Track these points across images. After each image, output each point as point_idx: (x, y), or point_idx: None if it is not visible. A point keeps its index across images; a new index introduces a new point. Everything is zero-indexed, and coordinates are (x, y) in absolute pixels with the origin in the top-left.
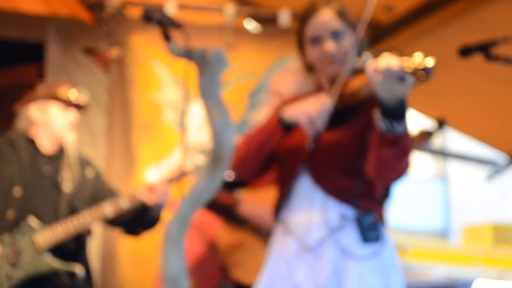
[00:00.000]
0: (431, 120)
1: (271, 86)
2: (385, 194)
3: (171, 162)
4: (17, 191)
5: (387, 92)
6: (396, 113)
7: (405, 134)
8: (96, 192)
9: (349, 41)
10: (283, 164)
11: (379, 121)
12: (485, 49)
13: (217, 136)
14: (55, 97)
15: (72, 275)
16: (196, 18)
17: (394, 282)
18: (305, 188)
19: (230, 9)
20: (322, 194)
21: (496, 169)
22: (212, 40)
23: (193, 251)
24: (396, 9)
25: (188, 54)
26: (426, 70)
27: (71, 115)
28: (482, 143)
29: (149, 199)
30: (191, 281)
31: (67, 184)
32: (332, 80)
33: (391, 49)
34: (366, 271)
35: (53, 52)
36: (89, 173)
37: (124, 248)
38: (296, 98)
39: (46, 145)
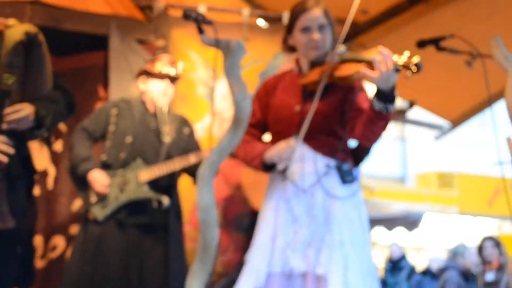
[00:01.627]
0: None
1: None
2: (367, 153)
3: (202, 125)
4: (129, 139)
5: (384, 81)
6: (389, 97)
7: (391, 112)
8: (188, 146)
9: (329, 34)
10: (278, 130)
11: (376, 103)
12: (436, 42)
13: (238, 105)
14: (152, 72)
15: (160, 203)
16: (220, 17)
17: (363, 213)
18: (298, 146)
19: (246, 11)
20: (311, 150)
21: (442, 132)
22: (232, 34)
23: (218, 190)
24: (370, 12)
25: (216, 43)
26: (417, 65)
27: (165, 84)
28: (432, 113)
29: None
30: (218, 211)
31: (167, 136)
32: (313, 64)
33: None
34: (347, 205)
35: (114, 42)
36: (186, 131)
37: None
38: (276, 78)
39: (150, 106)
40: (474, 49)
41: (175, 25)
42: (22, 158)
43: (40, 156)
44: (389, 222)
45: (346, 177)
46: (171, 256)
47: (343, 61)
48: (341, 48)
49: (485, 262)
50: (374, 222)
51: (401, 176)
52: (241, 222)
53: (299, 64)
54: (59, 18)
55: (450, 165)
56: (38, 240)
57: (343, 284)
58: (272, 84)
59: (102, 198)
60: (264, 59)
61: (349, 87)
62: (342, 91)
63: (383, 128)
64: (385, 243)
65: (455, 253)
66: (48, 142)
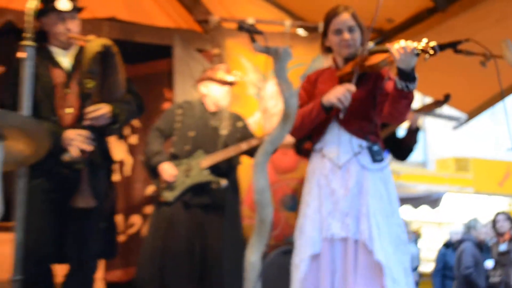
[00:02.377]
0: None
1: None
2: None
3: (252, 120)
4: (192, 134)
5: (405, 63)
6: (410, 76)
7: (413, 91)
8: (242, 136)
9: (358, 33)
10: None
11: (399, 83)
12: (453, 46)
13: (286, 101)
14: (213, 79)
15: (218, 184)
16: (266, 28)
17: (391, 187)
18: (334, 129)
19: (288, 23)
20: (346, 132)
21: (459, 123)
22: (276, 43)
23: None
24: (395, 20)
25: (266, 50)
26: (434, 48)
27: (225, 88)
28: (451, 106)
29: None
30: None
31: (223, 130)
32: (347, 60)
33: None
34: (376, 179)
35: (177, 51)
36: (239, 124)
37: None
38: (317, 73)
39: (210, 106)
40: (487, 51)
41: (229, 36)
42: (102, 150)
43: (118, 148)
44: (414, 201)
45: (376, 157)
46: (226, 230)
47: (371, 53)
48: (370, 44)
49: (498, 234)
50: (401, 201)
51: (423, 161)
52: (286, 202)
53: (335, 61)
54: (131, 32)
55: (466, 150)
56: (118, 219)
57: (377, 249)
58: (314, 77)
59: (171, 184)
60: (304, 63)
61: (378, 77)
62: (372, 80)
63: (406, 106)
64: (411, 219)
65: (469, 227)
66: (122, 136)
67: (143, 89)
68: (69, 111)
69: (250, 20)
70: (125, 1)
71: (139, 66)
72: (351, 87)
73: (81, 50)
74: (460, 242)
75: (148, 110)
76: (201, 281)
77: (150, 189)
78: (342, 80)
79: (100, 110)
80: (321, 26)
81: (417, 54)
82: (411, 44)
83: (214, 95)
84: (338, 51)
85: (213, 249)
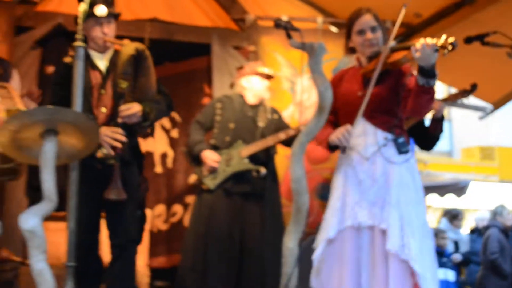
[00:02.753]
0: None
1: None
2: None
3: (287, 114)
4: (231, 125)
5: (425, 61)
6: (430, 73)
7: (434, 86)
8: (278, 127)
9: (380, 33)
10: (345, 112)
11: (419, 79)
12: (481, 38)
13: (321, 94)
14: (256, 73)
15: (258, 172)
16: (298, 25)
17: (416, 177)
18: (361, 123)
19: (320, 19)
20: (372, 126)
21: (485, 113)
22: (309, 39)
23: None
24: (422, 15)
25: (302, 46)
26: (453, 44)
27: (265, 82)
28: (477, 97)
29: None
30: None
31: (261, 122)
32: (370, 58)
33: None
34: (402, 170)
35: (216, 49)
36: (275, 116)
37: None
38: (342, 73)
39: (249, 99)
40: None
41: (264, 33)
42: (133, 147)
43: (161, 141)
44: (441, 189)
45: (401, 148)
46: (267, 217)
47: (393, 50)
48: (392, 43)
49: None
50: (428, 189)
51: (449, 150)
52: (319, 191)
53: (359, 61)
54: (172, 32)
55: (491, 139)
56: (161, 208)
57: (399, 237)
58: (338, 77)
59: (213, 171)
60: (335, 58)
61: (401, 73)
62: (395, 77)
63: (428, 100)
64: (438, 206)
65: (495, 213)
66: (151, 134)
67: (183, 85)
68: (103, 111)
69: (284, 18)
70: (166, 2)
71: (179, 64)
72: (349, 127)
73: (115, 54)
74: (486, 228)
75: (188, 104)
76: (240, 266)
77: (192, 178)
78: (365, 77)
79: (132, 109)
80: None
81: (436, 50)
82: (430, 41)
83: (256, 88)
84: (361, 50)
85: (251, 236)
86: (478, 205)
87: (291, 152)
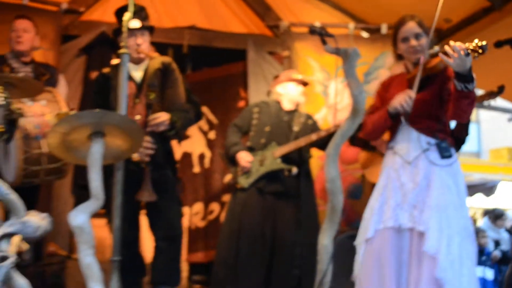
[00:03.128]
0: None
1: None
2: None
3: (319, 116)
4: (267, 128)
5: (460, 66)
6: (467, 78)
7: (473, 90)
8: (312, 131)
9: (424, 40)
10: None
11: (457, 84)
12: (511, 42)
13: (355, 98)
14: (291, 79)
15: (289, 171)
16: (331, 31)
17: (460, 181)
18: (404, 128)
19: (351, 25)
20: (415, 131)
21: None
22: (342, 44)
23: None
24: (452, 20)
25: (337, 51)
26: (482, 47)
27: (300, 88)
28: (505, 99)
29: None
30: None
31: (296, 126)
32: (415, 64)
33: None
34: (444, 174)
35: (251, 54)
36: (310, 122)
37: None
38: (390, 79)
39: (285, 104)
40: None
41: (297, 39)
42: (165, 152)
43: (199, 143)
44: (469, 189)
45: (444, 153)
46: (302, 216)
47: (432, 56)
48: (435, 48)
49: None
50: None
51: (477, 151)
52: (352, 191)
53: (406, 67)
54: (209, 38)
55: None
56: (199, 206)
57: (437, 239)
58: (387, 83)
59: (246, 171)
60: (367, 62)
61: (446, 78)
62: (440, 82)
63: (469, 104)
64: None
65: None
66: (180, 140)
67: (220, 89)
68: (138, 118)
69: (317, 24)
70: (203, 11)
71: (217, 69)
72: (411, 92)
73: (149, 67)
74: None
75: (225, 108)
76: (271, 262)
77: (228, 177)
78: (410, 83)
79: (160, 118)
80: (383, 27)
81: (468, 54)
82: (462, 46)
83: (291, 93)
84: (407, 57)
85: (282, 234)
86: (507, 205)
87: (326, 153)
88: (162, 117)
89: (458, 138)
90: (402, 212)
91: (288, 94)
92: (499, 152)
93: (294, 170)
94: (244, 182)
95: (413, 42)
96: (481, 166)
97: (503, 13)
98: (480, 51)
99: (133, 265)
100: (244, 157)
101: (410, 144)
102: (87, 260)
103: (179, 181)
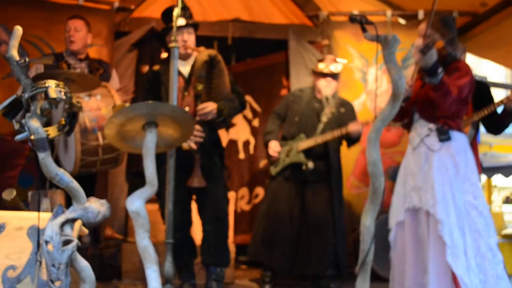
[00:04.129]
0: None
1: None
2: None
3: (359, 102)
4: (296, 119)
5: (420, 61)
6: (429, 72)
7: (440, 83)
8: (340, 122)
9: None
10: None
11: (425, 77)
12: None
13: (395, 83)
14: (315, 71)
15: (306, 166)
16: (369, 18)
17: (459, 160)
18: (416, 118)
19: (388, 12)
20: (422, 119)
21: None
22: (380, 31)
23: None
24: (488, 4)
25: (377, 38)
26: (422, 50)
27: (329, 79)
28: None
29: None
30: None
31: (324, 116)
32: None
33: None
34: (442, 156)
35: (292, 44)
36: (342, 110)
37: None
38: None
39: (318, 93)
40: None
41: (336, 28)
42: (213, 140)
43: (244, 130)
44: (506, 170)
45: (441, 136)
46: (334, 202)
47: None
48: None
49: None
50: (493, 170)
51: None
52: (390, 173)
53: None
54: (252, 30)
55: None
56: (244, 191)
57: (439, 214)
58: None
59: (275, 160)
60: (405, 48)
61: (452, 70)
62: (446, 73)
63: (442, 96)
64: (503, 186)
65: None
66: (227, 128)
67: (263, 79)
68: (187, 109)
69: (355, 13)
70: (246, 4)
71: (260, 59)
72: (410, 81)
73: (196, 61)
74: None
75: (268, 96)
76: (299, 239)
77: (263, 163)
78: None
79: (208, 108)
80: (420, 13)
81: (424, 51)
82: (419, 43)
83: (318, 85)
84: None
85: (309, 214)
86: None
87: (367, 137)
88: (210, 107)
89: (502, 123)
90: (414, 194)
91: (317, 84)
92: None
93: (310, 165)
94: (273, 170)
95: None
96: None
97: None
98: (425, 50)
99: (185, 248)
100: (272, 147)
101: (416, 131)
102: (143, 243)
103: (226, 168)
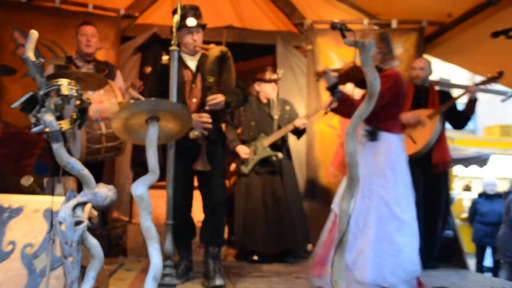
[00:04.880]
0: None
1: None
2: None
3: None
4: (253, 123)
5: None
6: (331, 92)
7: (341, 99)
8: (290, 117)
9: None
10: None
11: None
12: (506, 32)
13: (371, 84)
14: (262, 79)
15: (276, 156)
16: (348, 26)
17: (381, 158)
18: None
19: (366, 21)
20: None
21: (506, 97)
22: (357, 38)
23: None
24: (453, 15)
25: (355, 44)
26: (319, 74)
27: (273, 84)
28: (499, 83)
29: (302, 123)
30: None
31: (275, 115)
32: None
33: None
34: (367, 153)
35: (280, 49)
36: (287, 108)
37: (317, 141)
38: None
39: (263, 99)
40: None
41: (319, 35)
42: (217, 130)
43: None
44: (466, 161)
45: (370, 137)
46: (286, 185)
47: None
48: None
49: None
50: (455, 161)
51: (473, 128)
52: None
53: None
54: (244, 36)
55: (509, 119)
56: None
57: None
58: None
59: (245, 160)
60: None
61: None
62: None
63: (350, 106)
64: (463, 175)
65: None
66: (232, 120)
67: (253, 79)
68: (194, 101)
69: (336, 21)
70: (238, 13)
71: (251, 62)
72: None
73: (202, 56)
74: (507, 193)
75: None
76: (275, 223)
77: (233, 166)
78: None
79: (217, 99)
80: (393, 23)
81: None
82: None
83: (264, 90)
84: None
85: (280, 201)
86: (498, 175)
87: (345, 131)
88: (219, 98)
89: (466, 115)
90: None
91: (262, 91)
92: (491, 129)
93: (280, 155)
94: (245, 169)
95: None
96: (476, 142)
97: (498, 7)
98: (316, 78)
99: (185, 228)
100: (242, 150)
101: (360, 131)
102: (146, 224)
103: (225, 157)
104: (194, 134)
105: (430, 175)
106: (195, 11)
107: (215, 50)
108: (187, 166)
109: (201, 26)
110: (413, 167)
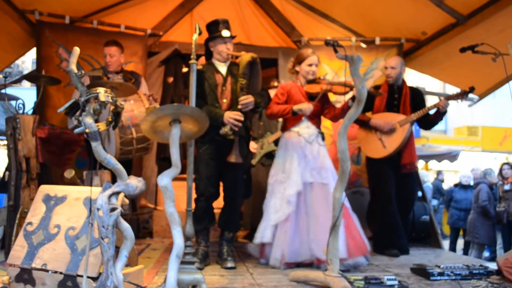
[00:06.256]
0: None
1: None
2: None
3: None
4: (262, 123)
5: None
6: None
7: (266, 107)
8: None
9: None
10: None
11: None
12: (472, 48)
13: (359, 91)
14: (268, 87)
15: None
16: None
17: (328, 160)
18: (305, 121)
19: (353, 39)
20: (312, 124)
21: (472, 102)
22: (347, 52)
23: None
24: (427, 33)
25: (345, 57)
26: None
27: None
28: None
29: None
30: None
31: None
32: (309, 82)
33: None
34: (322, 149)
35: (281, 62)
36: None
37: None
38: (289, 85)
39: None
40: (497, 51)
41: (314, 50)
42: (245, 127)
43: None
44: (438, 157)
45: (323, 137)
46: None
47: (330, 83)
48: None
49: (503, 178)
50: (428, 157)
51: (444, 129)
52: (353, 159)
53: (300, 80)
54: (250, 51)
55: (475, 120)
56: None
57: (329, 185)
58: (288, 87)
59: (253, 154)
60: (365, 65)
61: (326, 97)
62: (322, 99)
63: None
64: (435, 169)
65: (485, 173)
66: (260, 118)
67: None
68: (225, 101)
69: (329, 38)
70: (246, 32)
71: None
72: (312, 105)
73: (231, 64)
74: (477, 184)
75: None
76: None
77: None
78: (309, 95)
79: (249, 99)
80: (377, 40)
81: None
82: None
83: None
84: (305, 75)
85: None
86: (466, 168)
87: (338, 131)
88: (250, 98)
89: (433, 121)
90: (306, 173)
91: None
92: (460, 130)
93: None
94: (253, 161)
95: (314, 68)
96: (447, 140)
97: (466, 26)
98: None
99: (207, 215)
100: (251, 145)
101: (310, 130)
102: (170, 210)
103: (249, 152)
104: (225, 129)
105: (400, 174)
106: (227, 24)
107: (246, 56)
108: (216, 159)
109: (232, 37)
110: (384, 167)
